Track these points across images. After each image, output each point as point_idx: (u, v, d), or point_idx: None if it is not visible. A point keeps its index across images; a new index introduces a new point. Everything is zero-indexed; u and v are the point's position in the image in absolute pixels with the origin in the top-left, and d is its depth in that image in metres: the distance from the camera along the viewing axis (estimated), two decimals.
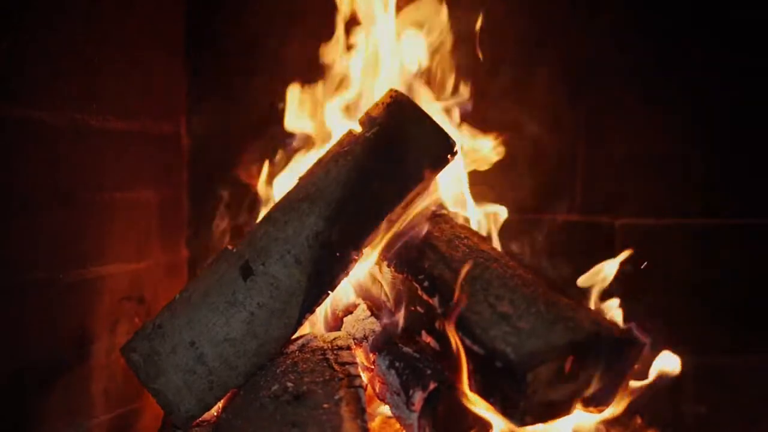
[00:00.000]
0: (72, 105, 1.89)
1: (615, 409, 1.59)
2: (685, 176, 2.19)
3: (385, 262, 1.79)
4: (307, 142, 2.12)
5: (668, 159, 2.20)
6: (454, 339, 1.51)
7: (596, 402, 1.54)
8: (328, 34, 2.11)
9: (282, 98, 2.16)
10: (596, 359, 1.49)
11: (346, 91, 2.06)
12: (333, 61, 2.09)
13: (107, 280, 2.01)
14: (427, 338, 1.67)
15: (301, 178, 1.74)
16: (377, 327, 1.79)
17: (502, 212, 2.01)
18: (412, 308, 1.71)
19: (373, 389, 1.75)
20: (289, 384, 1.54)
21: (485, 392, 1.50)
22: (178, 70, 2.39)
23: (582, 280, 1.78)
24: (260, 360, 1.64)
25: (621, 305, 1.72)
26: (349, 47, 2.08)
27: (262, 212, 2.00)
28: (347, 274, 1.71)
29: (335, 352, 1.66)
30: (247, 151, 2.36)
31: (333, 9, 2.08)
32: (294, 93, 2.13)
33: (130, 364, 1.63)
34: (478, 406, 1.53)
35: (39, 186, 1.80)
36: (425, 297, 1.64)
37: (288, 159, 2.12)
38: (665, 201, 2.23)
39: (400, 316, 1.76)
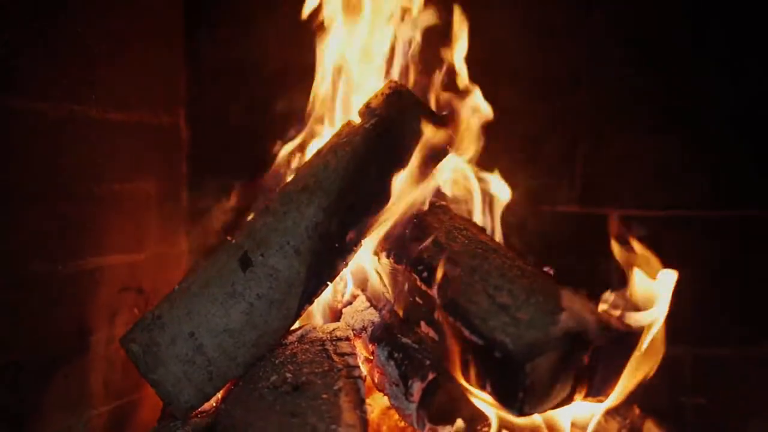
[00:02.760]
0: (71, 96, 1.89)
1: (614, 399, 1.60)
2: (683, 168, 2.19)
3: (384, 253, 1.79)
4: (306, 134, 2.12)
5: (666, 151, 2.20)
6: (453, 329, 1.52)
7: (595, 393, 1.54)
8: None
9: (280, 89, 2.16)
10: (595, 350, 1.49)
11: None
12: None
13: (106, 272, 2.01)
14: (426, 329, 1.67)
15: (299, 169, 1.74)
16: (376, 318, 1.79)
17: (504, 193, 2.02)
18: (411, 299, 1.71)
19: (372, 380, 1.76)
20: (288, 375, 1.54)
21: (484, 383, 1.50)
22: (177, 60, 2.39)
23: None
24: (259, 351, 1.64)
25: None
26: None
27: (262, 203, 2.00)
28: (346, 264, 1.71)
29: (334, 343, 1.67)
30: (246, 142, 2.37)
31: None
32: None
33: (129, 354, 1.63)
34: (477, 396, 1.53)
35: (38, 177, 1.80)
36: (424, 288, 1.64)
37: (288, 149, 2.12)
38: (663, 193, 2.23)
39: (399, 307, 1.76)
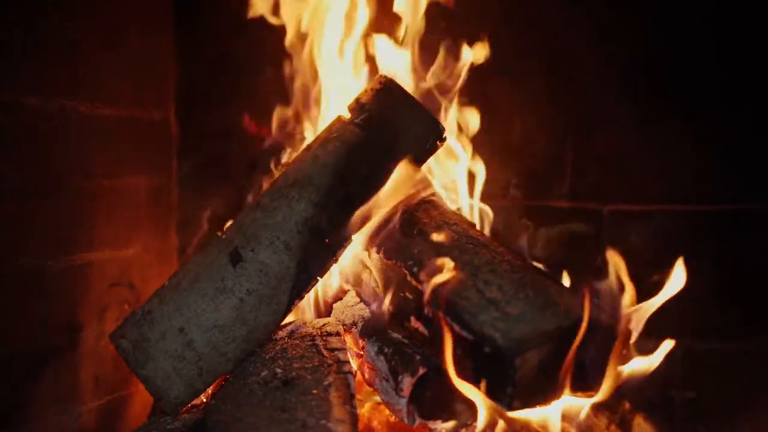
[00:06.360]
0: (61, 91, 1.89)
1: (603, 393, 1.60)
2: (674, 162, 2.19)
3: (374, 248, 1.79)
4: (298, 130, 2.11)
5: (658, 145, 2.20)
6: (443, 324, 1.52)
7: (585, 387, 1.54)
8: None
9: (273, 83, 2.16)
10: (584, 345, 1.49)
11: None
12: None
13: (96, 267, 2.01)
14: (416, 324, 1.68)
15: (289, 164, 1.74)
16: (366, 313, 1.80)
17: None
18: (402, 294, 1.71)
19: (363, 375, 1.76)
20: (279, 370, 1.54)
21: (474, 377, 1.50)
22: (168, 56, 2.39)
23: None
24: (249, 346, 1.64)
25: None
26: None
27: (252, 199, 2.00)
28: (336, 260, 1.71)
29: (324, 338, 1.67)
30: (236, 137, 2.36)
31: None
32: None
33: (119, 350, 1.63)
34: (467, 391, 1.53)
35: (28, 172, 1.80)
36: (414, 283, 1.64)
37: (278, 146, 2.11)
38: (654, 187, 2.23)
39: (389, 302, 1.76)
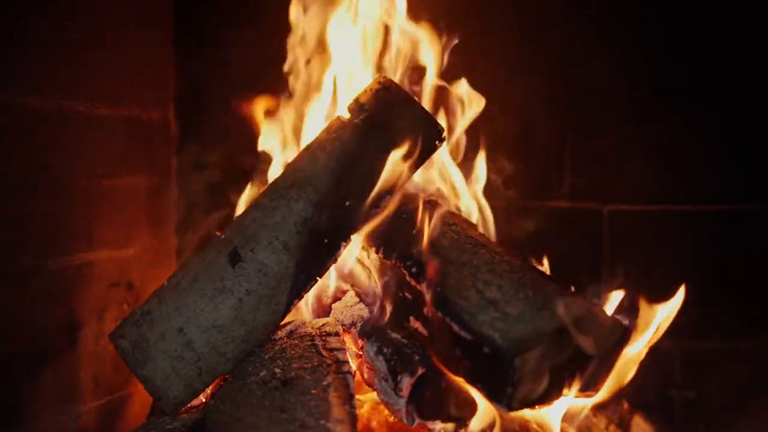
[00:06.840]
0: (60, 91, 1.89)
1: (602, 394, 1.60)
2: (674, 162, 2.19)
3: (373, 248, 1.79)
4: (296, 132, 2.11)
5: (658, 145, 2.20)
6: (442, 325, 1.52)
7: (584, 387, 1.54)
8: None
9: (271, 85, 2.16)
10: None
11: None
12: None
13: (95, 267, 2.01)
14: (415, 324, 1.67)
15: (288, 165, 1.74)
16: (366, 313, 1.79)
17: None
18: (401, 294, 1.71)
19: (362, 375, 1.76)
20: (278, 370, 1.54)
21: (473, 378, 1.50)
22: (167, 56, 2.39)
23: None
24: (249, 346, 1.64)
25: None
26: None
27: (250, 199, 2.00)
28: (335, 260, 1.71)
29: (323, 338, 1.67)
30: (235, 137, 2.36)
31: None
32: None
33: (118, 350, 1.63)
34: (466, 391, 1.53)
35: (27, 172, 1.79)
36: (413, 283, 1.64)
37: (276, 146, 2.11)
38: (653, 187, 2.23)
39: (388, 302, 1.76)
